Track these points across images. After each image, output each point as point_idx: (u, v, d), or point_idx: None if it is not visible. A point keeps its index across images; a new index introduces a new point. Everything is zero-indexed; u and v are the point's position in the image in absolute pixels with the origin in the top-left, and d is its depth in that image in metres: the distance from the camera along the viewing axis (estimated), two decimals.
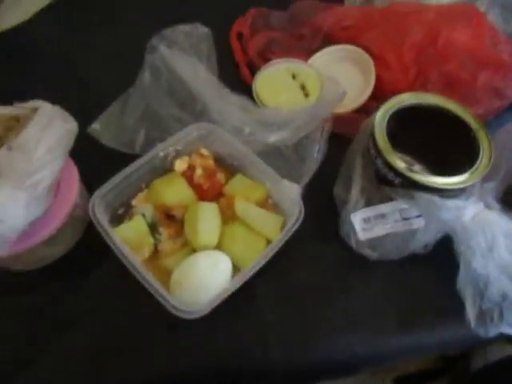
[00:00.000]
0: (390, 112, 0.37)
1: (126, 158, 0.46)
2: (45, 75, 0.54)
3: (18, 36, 0.56)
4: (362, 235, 0.39)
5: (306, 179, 0.46)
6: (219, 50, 0.57)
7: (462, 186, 0.35)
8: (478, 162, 0.36)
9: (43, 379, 0.38)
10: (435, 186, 0.34)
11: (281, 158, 0.47)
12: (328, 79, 0.46)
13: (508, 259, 0.37)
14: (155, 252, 0.38)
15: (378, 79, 0.50)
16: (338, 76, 0.52)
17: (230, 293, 0.34)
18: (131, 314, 0.38)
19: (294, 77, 0.52)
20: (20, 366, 0.38)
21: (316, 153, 0.48)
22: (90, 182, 0.44)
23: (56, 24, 0.58)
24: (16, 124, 0.37)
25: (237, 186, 0.41)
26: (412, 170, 0.35)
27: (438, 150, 0.40)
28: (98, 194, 0.37)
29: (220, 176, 0.41)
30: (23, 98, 0.41)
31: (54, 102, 0.41)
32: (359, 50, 0.52)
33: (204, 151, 0.43)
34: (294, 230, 0.37)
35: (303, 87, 0.52)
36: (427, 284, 0.41)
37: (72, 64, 0.55)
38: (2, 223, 0.30)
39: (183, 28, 0.55)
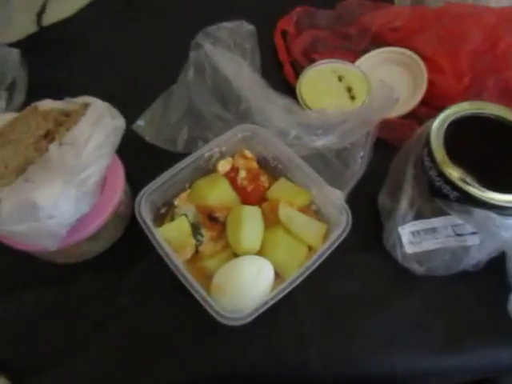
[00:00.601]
0: (449, 121, 0.36)
1: (169, 156, 0.46)
2: (89, 70, 0.54)
3: (64, 30, 0.57)
4: (410, 249, 0.38)
5: (350, 186, 0.45)
6: (263, 49, 0.56)
7: None
8: None
9: (79, 372, 0.38)
10: (494, 202, 0.32)
11: (323, 163, 0.46)
12: (380, 83, 0.45)
13: None
14: (196, 253, 0.38)
15: (430, 84, 0.48)
16: (386, 79, 0.51)
17: (273, 302, 0.33)
18: (169, 315, 0.38)
19: (340, 79, 0.51)
20: (58, 356, 0.39)
21: (360, 159, 0.46)
22: (133, 178, 0.44)
23: (101, 19, 0.59)
24: (66, 119, 0.37)
25: (280, 190, 0.40)
26: (470, 185, 0.33)
27: (497, 164, 0.37)
28: (143, 192, 0.36)
29: (263, 179, 0.40)
30: (68, 92, 0.41)
31: (98, 97, 0.41)
32: (410, 53, 0.50)
33: (247, 153, 0.42)
34: (341, 239, 0.36)
35: (349, 90, 0.50)
36: (476, 303, 0.39)
37: (117, 60, 0.55)
38: (54, 219, 0.30)
39: (228, 25, 0.54)
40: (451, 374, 0.39)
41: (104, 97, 0.48)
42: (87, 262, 0.41)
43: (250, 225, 0.36)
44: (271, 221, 0.39)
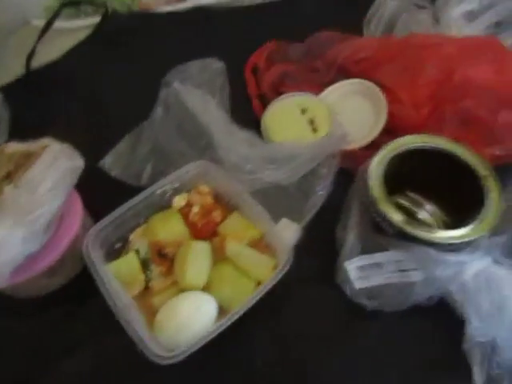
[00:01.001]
0: (390, 156, 0.36)
1: (136, 192, 0.48)
2: (71, 109, 0.57)
3: (48, 72, 0.61)
4: (358, 284, 0.37)
5: (307, 218, 0.45)
6: (236, 83, 0.58)
7: (462, 240, 0.32)
8: (484, 213, 0.33)
9: None
10: (431, 240, 0.32)
11: (284, 194, 0.47)
12: (334, 118, 0.45)
13: None
14: (146, 289, 0.39)
15: (391, 115, 0.48)
16: (350, 110, 0.52)
17: (212, 337, 0.34)
18: (118, 347, 0.38)
19: (303, 111, 0.52)
20: None
21: (321, 190, 0.47)
22: (100, 213, 0.46)
23: (83, 60, 0.63)
24: (26, 161, 0.39)
25: (231, 226, 0.40)
26: (407, 222, 0.32)
27: (446, 195, 0.37)
28: (94, 229, 0.38)
29: (216, 214, 0.41)
30: (48, 133, 0.44)
31: (76, 135, 0.44)
32: (371, 85, 0.50)
33: (203, 188, 0.43)
34: (282, 274, 0.36)
35: (312, 122, 0.51)
36: (432, 339, 0.38)
37: (97, 99, 0.58)
38: None
39: (197, 63, 0.57)
40: None
41: (82, 134, 0.52)
42: (50, 295, 0.43)
43: (194, 261, 0.37)
44: (221, 256, 0.39)
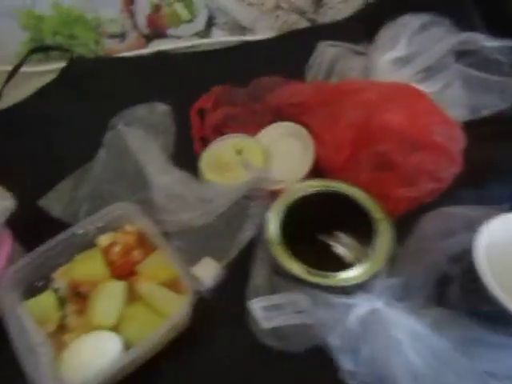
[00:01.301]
0: (288, 203, 0.37)
1: None
2: (25, 152, 0.60)
3: (13, 113, 0.65)
4: (264, 324, 0.38)
5: (231, 256, 0.46)
6: (184, 127, 0.61)
7: (350, 283, 0.33)
8: (373, 256, 0.34)
9: None
10: (317, 282, 0.33)
11: (213, 231, 0.48)
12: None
13: (418, 363, 0.34)
14: (62, 327, 0.40)
15: (318, 158, 0.50)
16: (282, 152, 0.54)
17: (111, 372, 0.35)
18: None
19: (238, 152, 0.54)
20: None
21: (248, 229, 0.48)
22: None
23: (45, 102, 0.67)
24: None
25: (150, 265, 0.42)
26: (299, 268, 0.34)
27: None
28: (12, 269, 0.40)
29: (137, 253, 0.43)
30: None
31: (25, 175, 0.49)
32: (300, 128, 0.53)
33: (128, 228, 0.45)
34: (186, 310, 0.37)
35: (246, 163, 0.53)
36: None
37: (48, 140, 0.61)
38: None
39: (144, 106, 0.60)
40: None
41: (31, 174, 0.55)
42: None
43: (105, 300, 0.38)
44: (137, 295, 0.41)
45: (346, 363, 0.31)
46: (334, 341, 0.32)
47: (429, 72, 0.58)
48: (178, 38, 0.73)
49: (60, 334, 0.40)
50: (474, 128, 0.52)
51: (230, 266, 0.46)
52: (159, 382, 0.40)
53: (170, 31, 0.73)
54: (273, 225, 0.36)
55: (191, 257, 0.46)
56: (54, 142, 0.63)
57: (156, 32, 0.73)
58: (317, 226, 0.38)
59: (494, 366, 0.34)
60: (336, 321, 0.33)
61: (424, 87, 0.56)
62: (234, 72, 0.68)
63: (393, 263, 0.36)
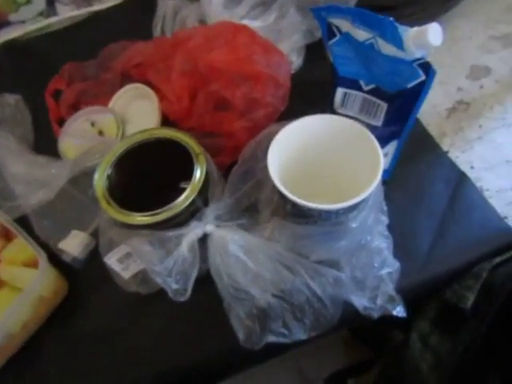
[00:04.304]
0: (113, 161, 0.39)
1: None
2: None
3: None
4: (123, 274, 0.41)
5: (94, 225, 0.48)
6: (42, 112, 0.60)
7: (168, 215, 0.35)
8: (191, 187, 0.37)
9: None
10: (144, 223, 0.35)
11: (73, 202, 0.49)
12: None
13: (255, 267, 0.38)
14: None
15: (164, 112, 0.52)
16: (134, 113, 0.55)
17: None
18: None
19: (92, 124, 0.55)
20: None
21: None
22: None
23: None
24: None
25: (10, 251, 0.43)
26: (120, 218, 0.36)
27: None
28: None
29: None
30: None
31: None
32: (143, 87, 0.54)
33: None
34: (39, 280, 0.39)
35: (101, 133, 0.54)
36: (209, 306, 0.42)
37: None
38: None
39: None
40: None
41: None
42: None
43: None
44: (2, 281, 0.42)
45: (172, 285, 0.35)
46: (159, 269, 0.35)
47: (262, 6, 0.60)
48: (23, 22, 0.70)
49: None
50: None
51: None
52: (44, 353, 0.42)
53: (12, 17, 0.69)
54: (101, 182, 0.38)
55: (60, 232, 0.48)
56: None
57: None
58: (148, 172, 0.40)
59: (318, 255, 0.39)
60: (168, 252, 0.36)
61: (260, 22, 0.58)
62: (84, 46, 0.66)
63: (220, 191, 0.39)
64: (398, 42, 0.34)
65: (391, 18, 0.34)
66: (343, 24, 0.38)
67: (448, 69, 0.58)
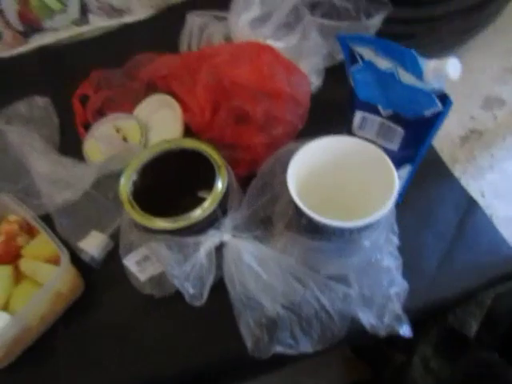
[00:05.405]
0: (139, 167, 0.41)
1: None
2: None
3: None
4: (139, 277, 0.42)
5: (114, 226, 0.50)
6: (69, 116, 0.63)
7: (188, 223, 0.37)
8: (212, 197, 0.38)
9: None
10: (163, 228, 0.37)
11: (94, 203, 0.51)
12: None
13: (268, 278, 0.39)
14: None
15: (187, 122, 0.54)
16: (157, 122, 0.57)
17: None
18: None
19: (118, 130, 0.57)
20: None
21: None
22: None
23: None
24: None
25: (33, 247, 0.45)
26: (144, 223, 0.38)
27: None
28: None
29: (21, 239, 0.46)
30: None
31: None
32: (168, 97, 0.56)
33: (11, 217, 0.47)
34: (58, 276, 0.41)
35: (125, 139, 0.56)
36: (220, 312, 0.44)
37: None
38: None
39: (23, 102, 0.61)
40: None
41: None
42: None
43: None
44: (23, 276, 0.44)
45: (189, 289, 0.36)
46: (177, 273, 0.36)
47: (287, 28, 0.63)
48: (56, 30, 0.74)
49: None
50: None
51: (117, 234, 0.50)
52: (58, 347, 0.43)
53: (46, 24, 0.73)
54: (126, 186, 0.40)
55: (80, 232, 0.49)
56: None
57: (31, 27, 0.73)
58: (171, 180, 0.42)
59: (329, 269, 0.40)
60: (186, 257, 0.37)
61: (283, 42, 0.61)
62: (113, 55, 0.69)
63: (238, 202, 0.40)
64: (418, 73, 0.36)
65: (412, 50, 0.36)
66: (366, 52, 0.40)
67: (462, 98, 0.59)
